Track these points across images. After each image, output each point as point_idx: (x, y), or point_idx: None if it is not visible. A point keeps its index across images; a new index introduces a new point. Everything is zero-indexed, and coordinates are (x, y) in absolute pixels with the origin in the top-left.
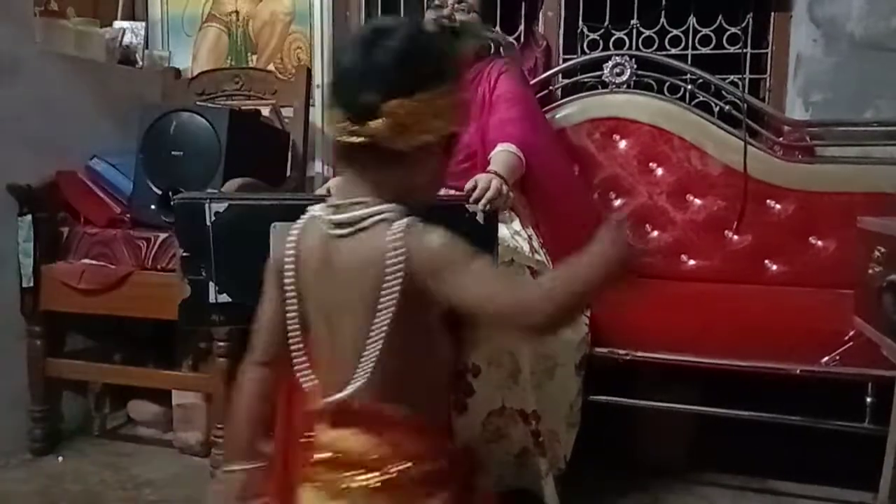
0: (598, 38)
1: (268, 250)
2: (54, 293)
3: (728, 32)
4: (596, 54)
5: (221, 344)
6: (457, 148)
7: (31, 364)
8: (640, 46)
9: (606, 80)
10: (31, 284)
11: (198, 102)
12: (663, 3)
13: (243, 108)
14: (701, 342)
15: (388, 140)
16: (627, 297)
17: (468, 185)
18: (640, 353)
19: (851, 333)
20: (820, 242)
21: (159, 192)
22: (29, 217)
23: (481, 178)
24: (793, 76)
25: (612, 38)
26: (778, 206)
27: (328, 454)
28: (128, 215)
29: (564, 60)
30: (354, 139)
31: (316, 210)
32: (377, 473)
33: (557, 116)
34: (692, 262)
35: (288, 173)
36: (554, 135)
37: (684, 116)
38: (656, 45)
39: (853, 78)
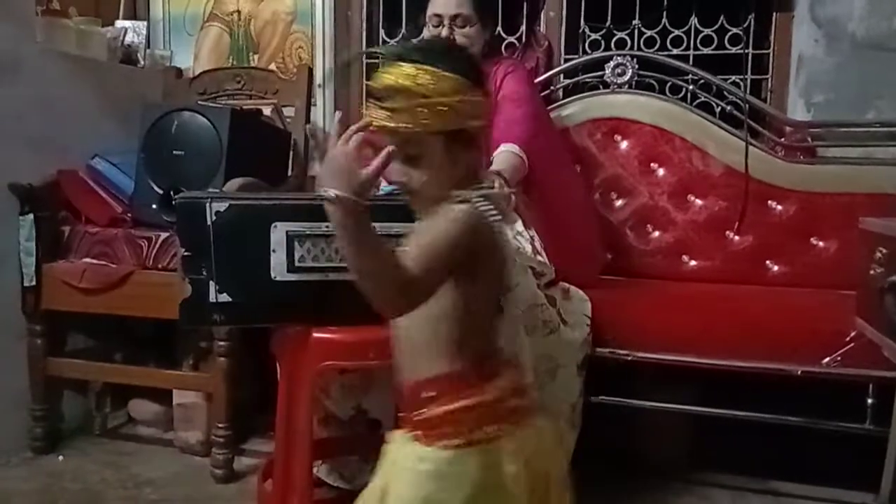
0: (599, 38)
1: (268, 250)
2: (55, 292)
3: (730, 33)
4: (597, 54)
5: (222, 343)
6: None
7: (32, 363)
8: (642, 47)
9: (608, 80)
10: (33, 283)
11: (199, 102)
12: (665, 3)
13: (245, 107)
14: (702, 343)
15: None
16: None
17: None
18: (641, 354)
19: (853, 334)
20: (821, 243)
21: (160, 192)
22: (30, 216)
23: None
24: (794, 77)
25: (614, 39)
26: (779, 207)
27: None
28: (129, 215)
29: (566, 60)
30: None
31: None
32: None
33: (559, 116)
34: (693, 262)
35: (289, 173)
36: (559, 136)
37: (686, 117)
38: (658, 45)
39: (855, 78)
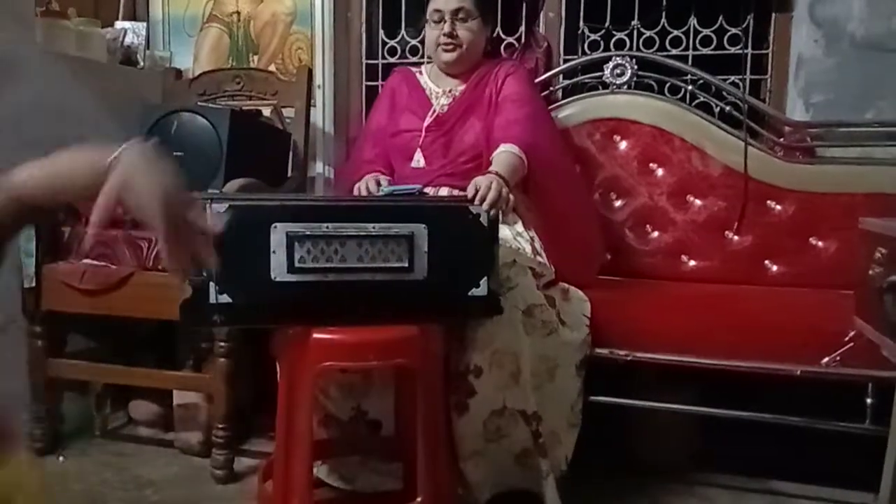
0: (598, 38)
1: (268, 251)
2: (55, 293)
3: (729, 33)
4: (597, 55)
5: (222, 344)
6: None
7: (32, 364)
8: (641, 47)
9: (607, 80)
10: (33, 285)
11: (199, 103)
12: (664, 3)
13: (244, 108)
14: (701, 343)
15: None
16: None
17: (469, 189)
18: (640, 354)
19: (852, 334)
20: (821, 243)
21: None
22: None
23: (481, 181)
24: (794, 77)
25: (613, 39)
26: (779, 207)
27: None
28: (129, 215)
29: (565, 61)
30: None
31: None
32: None
33: (558, 117)
34: (693, 262)
35: (289, 174)
36: (559, 136)
37: (685, 117)
38: (657, 45)
39: (854, 79)
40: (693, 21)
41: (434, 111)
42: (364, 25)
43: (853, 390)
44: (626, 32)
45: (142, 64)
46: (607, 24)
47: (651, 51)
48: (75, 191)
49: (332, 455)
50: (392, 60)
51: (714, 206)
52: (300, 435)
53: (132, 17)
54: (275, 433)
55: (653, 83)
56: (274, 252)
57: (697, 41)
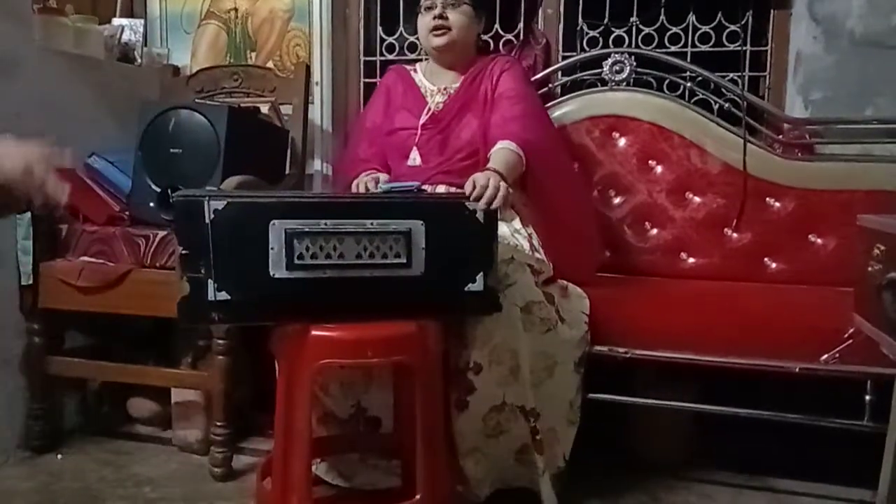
0: (597, 35)
1: (267, 248)
2: (53, 291)
3: (728, 30)
4: (595, 52)
5: (220, 342)
6: None
7: (30, 362)
8: (640, 44)
9: (606, 77)
10: (30, 282)
11: (196, 100)
12: (663, 0)
13: (242, 105)
14: (700, 340)
15: None
16: None
17: (467, 186)
18: (639, 351)
19: (851, 331)
20: (819, 240)
21: (158, 190)
22: (28, 215)
23: (479, 177)
24: (793, 74)
25: (612, 36)
26: (777, 204)
27: None
28: (126, 213)
29: (564, 58)
30: None
31: None
32: None
33: (557, 114)
34: (691, 260)
35: (287, 171)
36: (556, 133)
37: (684, 114)
38: (656, 42)
39: (853, 75)
40: (692, 18)
41: (429, 109)
42: (362, 22)
43: (852, 387)
44: (624, 29)
45: (139, 61)
46: (606, 20)
47: (650, 48)
48: None
49: (331, 452)
50: (390, 57)
51: (713, 203)
52: (299, 432)
53: (129, 13)
54: (273, 431)
55: (652, 80)
56: (272, 249)
57: (696, 38)
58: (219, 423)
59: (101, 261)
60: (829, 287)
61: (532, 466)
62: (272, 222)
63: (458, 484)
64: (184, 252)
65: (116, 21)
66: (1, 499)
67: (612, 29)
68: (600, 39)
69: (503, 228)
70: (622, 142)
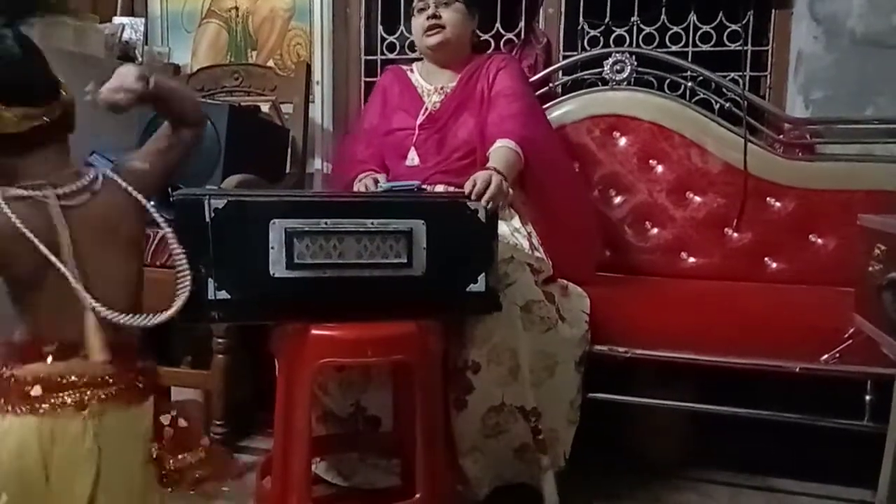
0: (598, 34)
1: (267, 247)
2: None
3: (728, 29)
4: (596, 51)
5: (220, 340)
6: None
7: None
8: (641, 43)
9: (607, 77)
10: None
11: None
12: (664, 0)
13: (243, 104)
14: (700, 340)
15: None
16: None
17: (467, 185)
18: (639, 351)
19: (851, 331)
20: (820, 240)
21: None
22: None
23: (480, 176)
24: (793, 73)
25: (613, 35)
26: (778, 204)
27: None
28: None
29: (565, 57)
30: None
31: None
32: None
33: (557, 113)
34: (692, 259)
35: (287, 169)
36: (553, 131)
37: (684, 114)
38: (657, 42)
39: (854, 75)
40: (693, 17)
41: (426, 109)
42: (363, 21)
43: (852, 387)
44: (625, 29)
45: (140, 60)
46: (607, 20)
47: (651, 47)
48: None
49: (331, 451)
50: (391, 56)
51: (713, 202)
52: (299, 431)
53: (130, 12)
54: (273, 430)
55: (652, 80)
56: (272, 248)
57: (697, 37)
58: (218, 422)
59: None
60: (829, 287)
61: (532, 464)
62: (272, 221)
63: (458, 483)
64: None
65: (117, 20)
66: None
67: (613, 28)
68: (601, 39)
69: (503, 227)
70: (623, 141)
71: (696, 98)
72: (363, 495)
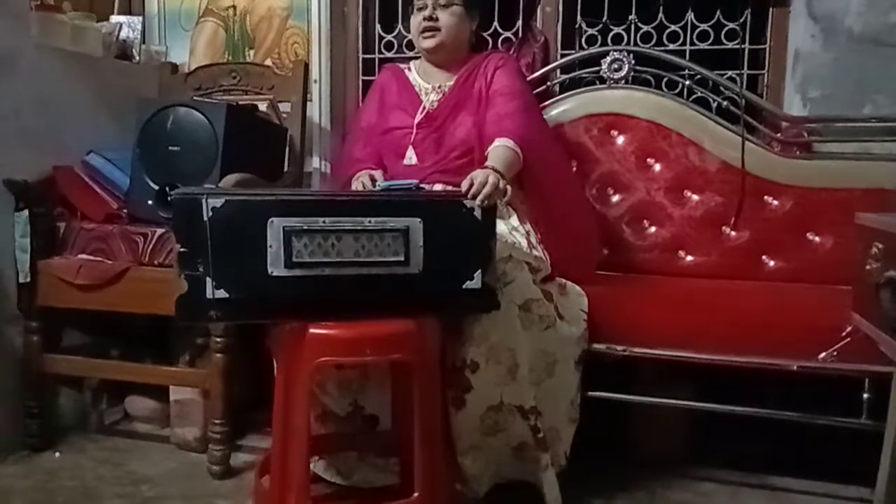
0: (595, 33)
1: (265, 246)
2: (51, 289)
3: (726, 28)
4: (594, 50)
5: (219, 340)
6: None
7: (27, 360)
8: (638, 42)
9: (604, 75)
10: (28, 280)
11: (195, 97)
12: None
13: (241, 103)
14: (698, 338)
15: None
16: None
17: (464, 183)
18: (637, 349)
19: (849, 329)
20: (818, 238)
21: (156, 188)
22: (25, 212)
23: (478, 174)
24: (791, 72)
25: (610, 34)
26: (776, 202)
27: None
28: (125, 210)
29: (562, 56)
30: None
31: None
32: None
33: (555, 112)
34: (690, 258)
35: (285, 168)
36: (551, 130)
37: (682, 112)
38: (654, 40)
39: (852, 74)
40: (690, 16)
41: (424, 108)
42: (360, 20)
43: (850, 385)
44: (623, 27)
45: (137, 58)
46: (604, 18)
47: (648, 46)
48: None
49: (329, 450)
50: (388, 55)
51: (711, 201)
52: (297, 430)
53: (128, 11)
54: (271, 429)
55: (650, 78)
56: (270, 247)
57: (695, 36)
58: (217, 421)
59: (98, 258)
60: (827, 285)
61: (531, 462)
62: (270, 220)
63: (457, 481)
64: (182, 250)
65: (114, 18)
66: None
67: (611, 27)
68: (599, 37)
69: (501, 226)
70: (620, 140)
71: (694, 96)
72: (362, 494)
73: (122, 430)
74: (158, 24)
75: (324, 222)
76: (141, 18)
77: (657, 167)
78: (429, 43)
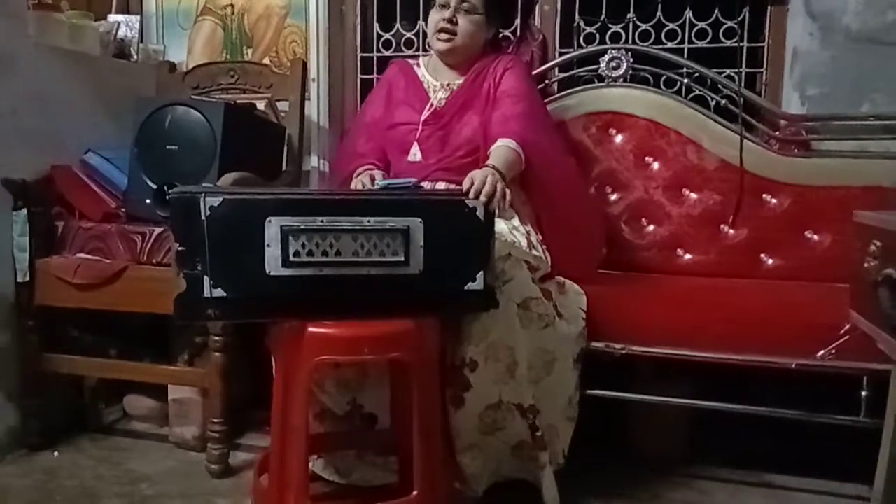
0: (594, 31)
1: (263, 245)
2: (49, 288)
3: (724, 26)
4: (592, 48)
5: (217, 338)
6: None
7: (25, 359)
8: (637, 40)
9: (603, 73)
10: (26, 279)
11: (193, 96)
12: None
13: (239, 102)
14: (697, 336)
15: None
16: None
17: (465, 182)
18: (636, 348)
19: (847, 327)
20: (816, 236)
21: (154, 187)
22: (24, 211)
23: (478, 174)
24: (789, 70)
25: (609, 32)
26: (774, 201)
27: None
28: (123, 210)
29: (561, 54)
30: None
31: None
32: None
33: (554, 111)
34: (688, 256)
35: (283, 167)
36: (557, 132)
37: (680, 110)
38: (653, 38)
39: (850, 72)
40: (689, 14)
41: (431, 105)
42: (359, 18)
43: (848, 383)
44: (621, 25)
45: (135, 57)
46: (603, 16)
47: (647, 44)
48: None
49: (328, 449)
50: (387, 54)
51: (709, 199)
52: (296, 429)
53: (125, 10)
54: (270, 427)
55: (648, 76)
56: (268, 246)
57: (693, 34)
58: (215, 420)
59: (97, 258)
60: (825, 283)
61: (530, 460)
62: (268, 219)
63: (455, 480)
64: (180, 249)
65: (112, 17)
66: None
67: (609, 25)
68: (597, 36)
69: (501, 225)
70: (619, 138)
71: (692, 95)
72: (360, 493)
73: (120, 429)
74: (156, 22)
75: (322, 221)
76: (139, 17)
77: (655, 165)
78: (442, 45)
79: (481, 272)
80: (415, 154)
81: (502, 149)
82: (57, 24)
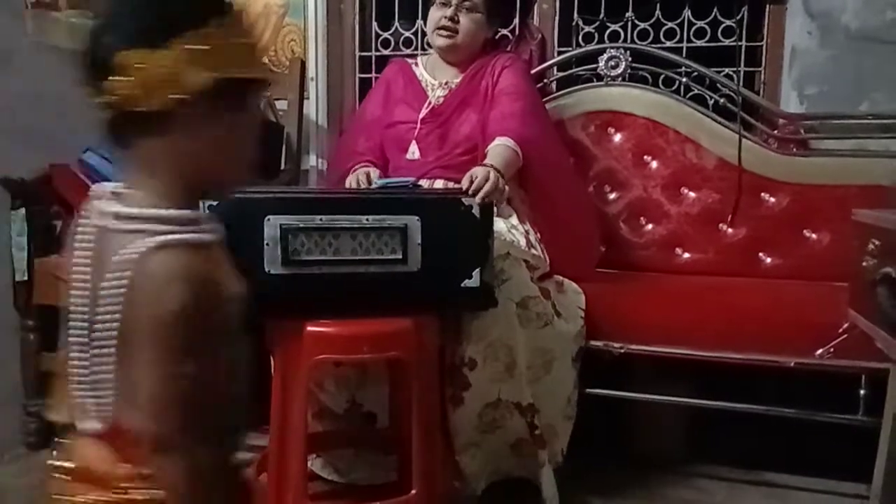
0: (592, 30)
1: (261, 244)
2: (48, 287)
3: (723, 25)
4: (591, 47)
5: None
6: (256, 101)
7: (24, 358)
8: (635, 39)
9: (601, 72)
10: (25, 278)
11: None
12: None
13: None
14: (695, 335)
15: (137, 101)
16: None
17: (465, 180)
18: (634, 347)
19: (845, 326)
20: (814, 235)
21: None
22: (22, 210)
23: (477, 172)
24: (788, 69)
25: (607, 31)
26: (772, 199)
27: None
28: None
29: (559, 53)
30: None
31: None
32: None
33: (552, 109)
34: (687, 255)
35: (282, 166)
36: (555, 131)
37: (679, 109)
38: (651, 37)
39: (848, 71)
40: (687, 13)
41: (430, 103)
42: (357, 17)
43: (847, 382)
44: (620, 24)
45: None
46: (601, 15)
47: (645, 43)
48: None
49: (327, 448)
50: (385, 53)
51: (708, 198)
52: (295, 428)
53: None
54: (269, 426)
55: (647, 75)
56: (267, 245)
57: (691, 33)
58: None
59: None
60: (823, 282)
61: (529, 458)
62: (267, 218)
63: (454, 479)
64: None
65: None
66: None
67: (608, 24)
68: (596, 35)
69: (499, 224)
70: (618, 137)
71: (691, 94)
72: (359, 491)
73: None
74: None
75: (321, 220)
76: None
77: (654, 164)
78: (443, 42)
79: (479, 270)
80: (413, 152)
81: (500, 147)
82: (55, 23)
